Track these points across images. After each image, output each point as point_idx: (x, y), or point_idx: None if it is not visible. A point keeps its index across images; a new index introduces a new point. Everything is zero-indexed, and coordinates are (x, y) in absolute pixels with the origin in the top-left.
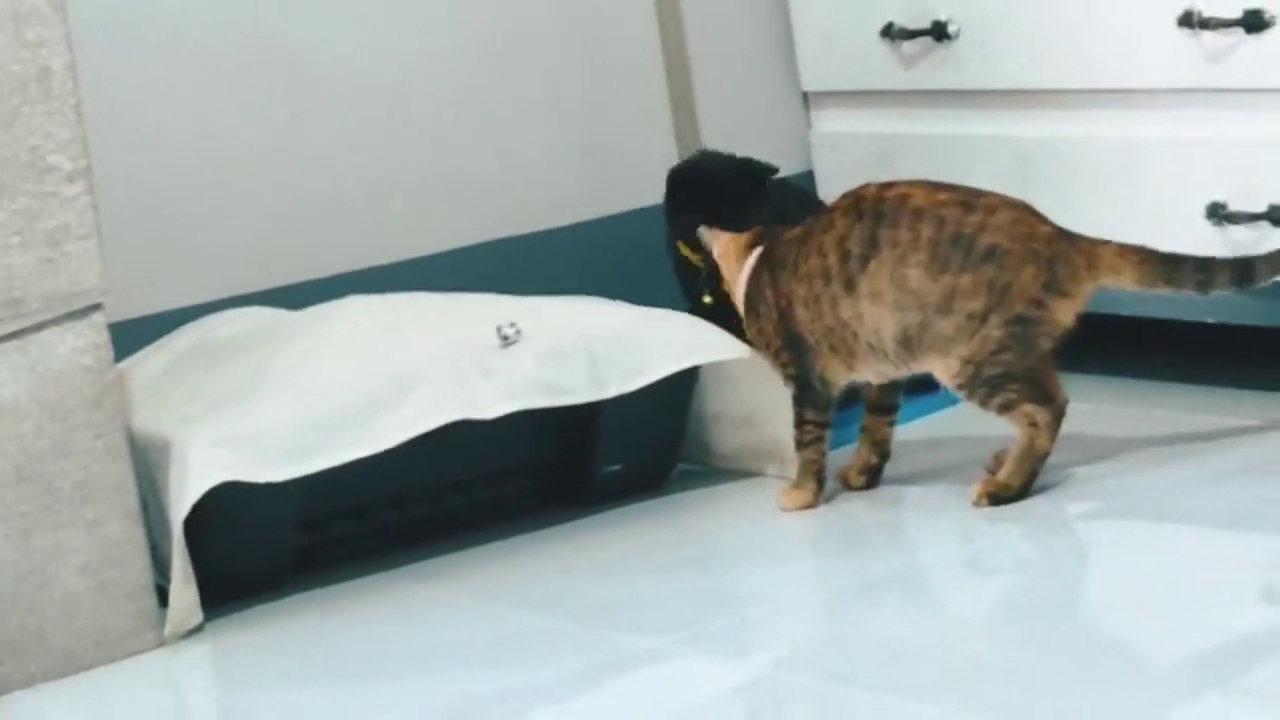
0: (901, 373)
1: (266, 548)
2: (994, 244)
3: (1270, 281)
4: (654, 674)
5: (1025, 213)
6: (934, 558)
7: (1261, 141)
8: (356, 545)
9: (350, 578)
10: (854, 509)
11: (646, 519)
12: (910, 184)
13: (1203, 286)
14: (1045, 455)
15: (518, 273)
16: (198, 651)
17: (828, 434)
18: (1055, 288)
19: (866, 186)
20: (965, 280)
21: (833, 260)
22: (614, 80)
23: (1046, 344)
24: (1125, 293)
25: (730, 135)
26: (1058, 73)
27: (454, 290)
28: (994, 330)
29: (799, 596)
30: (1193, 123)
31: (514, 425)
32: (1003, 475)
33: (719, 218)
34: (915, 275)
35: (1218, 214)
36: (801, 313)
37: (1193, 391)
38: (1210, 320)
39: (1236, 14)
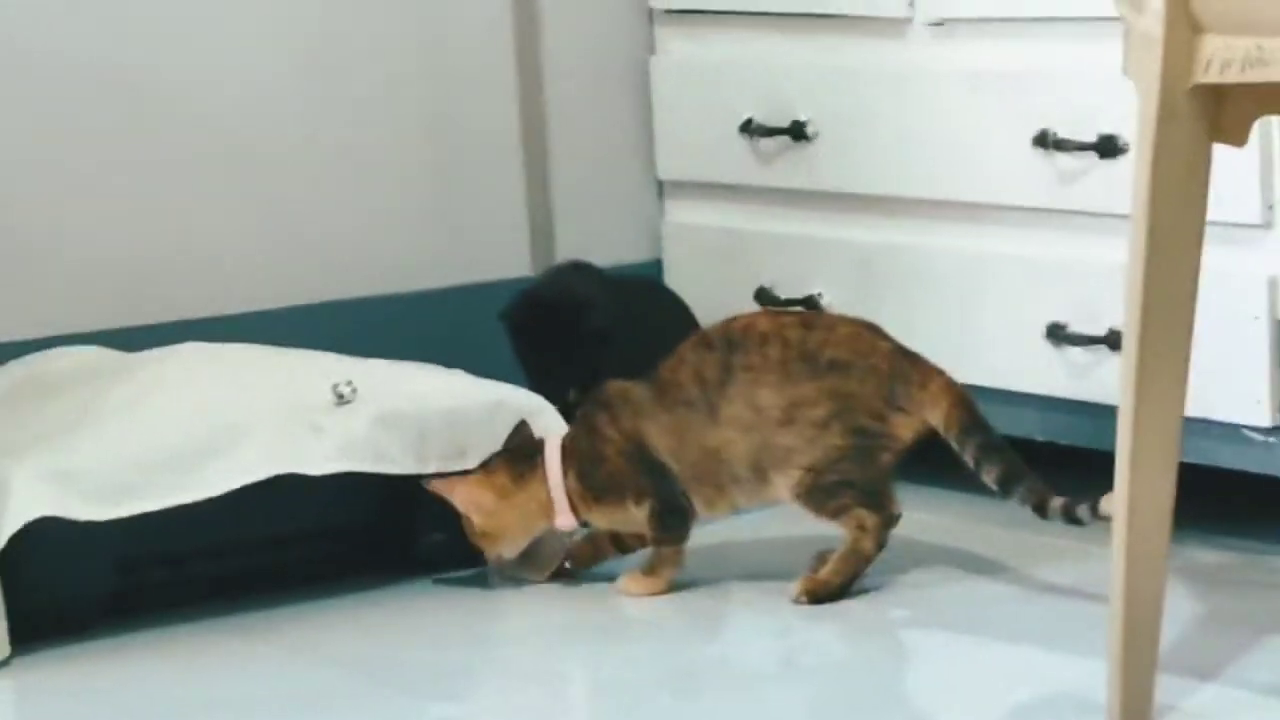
0: (754, 502)
1: (81, 586)
2: (836, 357)
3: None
4: None
5: (865, 329)
6: (750, 651)
7: (1106, 265)
8: (173, 592)
9: (163, 625)
10: (677, 600)
11: (469, 590)
12: (750, 315)
13: (978, 466)
14: (869, 559)
15: (360, 335)
16: (1, 686)
17: (686, 538)
18: (895, 403)
19: (710, 325)
20: (808, 389)
21: (693, 391)
22: (471, 152)
23: (886, 458)
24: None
25: (583, 216)
26: (911, 181)
27: (294, 346)
28: (836, 439)
29: (611, 678)
30: (1040, 242)
31: (340, 485)
32: (824, 573)
33: (551, 360)
34: (765, 394)
35: (1057, 334)
36: (663, 443)
37: (1019, 509)
38: (1040, 438)
39: (1091, 138)
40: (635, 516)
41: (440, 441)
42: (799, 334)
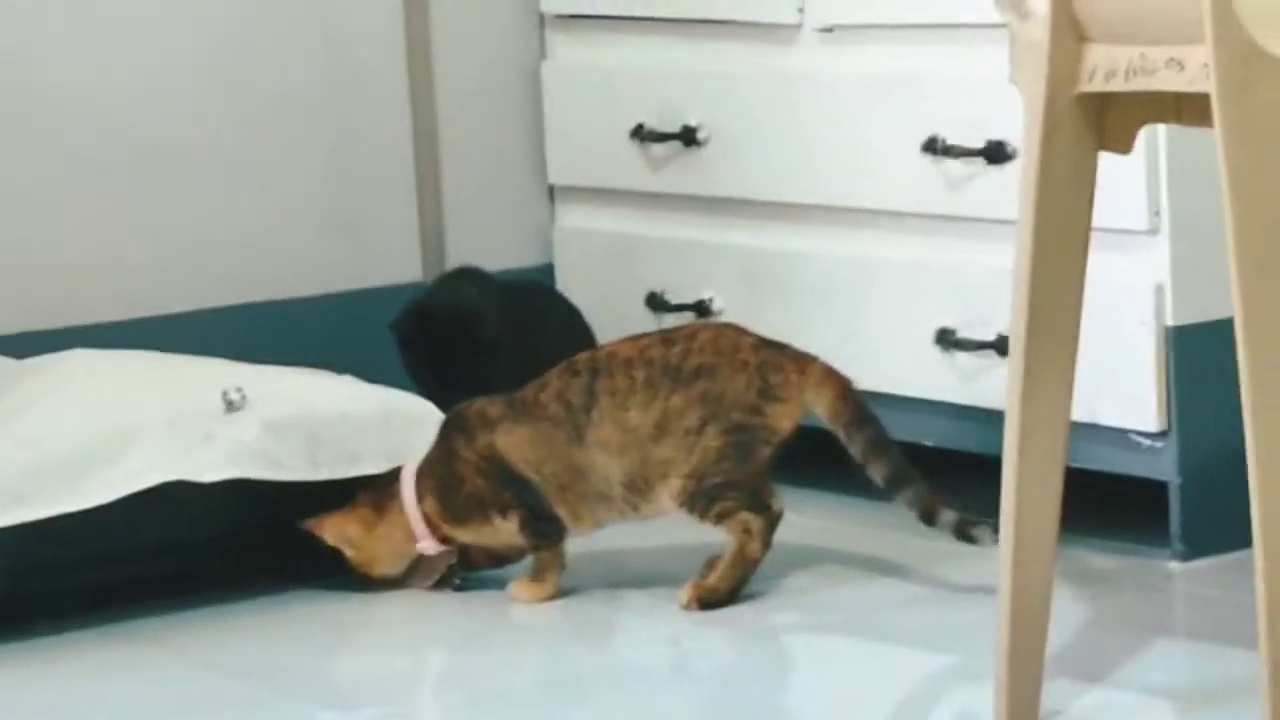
0: (631, 518)
1: None
2: (700, 363)
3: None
4: None
5: (726, 329)
6: (640, 657)
7: (994, 270)
8: (62, 600)
9: (50, 633)
10: (569, 605)
11: (359, 597)
12: (614, 343)
13: (865, 461)
14: (756, 562)
15: (251, 341)
16: None
17: (562, 540)
18: (769, 394)
19: (575, 357)
20: (676, 400)
21: (556, 410)
22: (363, 157)
23: (765, 451)
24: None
25: (475, 221)
26: (801, 187)
27: (185, 352)
28: (712, 441)
29: (500, 684)
30: (928, 247)
31: (230, 492)
32: (712, 579)
33: (442, 371)
34: (634, 415)
35: (946, 340)
36: (521, 456)
37: (903, 513)
38: (929, 443)
39: (980, 144)
40: (504, 530)
41: (332, 448)
42: (660, 351)
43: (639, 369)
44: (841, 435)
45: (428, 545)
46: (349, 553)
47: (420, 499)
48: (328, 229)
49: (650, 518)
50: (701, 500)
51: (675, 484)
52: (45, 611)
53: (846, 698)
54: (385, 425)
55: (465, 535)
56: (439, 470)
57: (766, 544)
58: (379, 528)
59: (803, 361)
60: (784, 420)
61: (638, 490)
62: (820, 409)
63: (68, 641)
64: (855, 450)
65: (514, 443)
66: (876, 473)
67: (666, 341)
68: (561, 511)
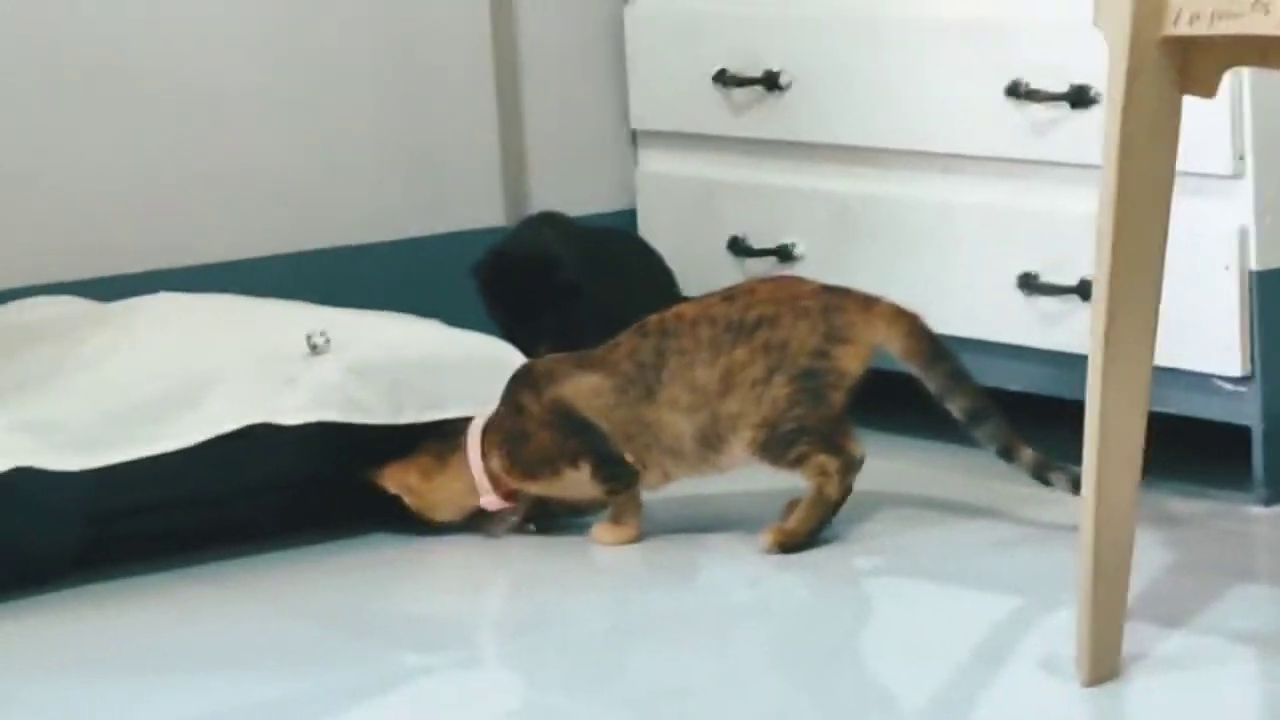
0: (705, 472)
1: (52, 537)
2: (761, 314)
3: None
4: (425, 692)
5: (786, 279)
6: (720, 600)
7: (1077, 216)
8: (145, 544)
9: (134, 575)
10: (649, 549)
11: (443, 541)
12: (680, 306)
13: (943, 397)
14: (835, 505)
15: (334, 285)
16: None
17: (636, 481)
18: (835, 336)
19: (645, 319)
20: (740, 353)
21: (628, 368)
22: (443, 101)
23: (836, 396)
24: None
25: (557, 166)
26: (883, 131)
27: (267, 297)
28: (780, 389)
29: (583, 627)
30: (1011, 192)
31: (313, 435)
32: (791, 523)
33: (523, 317)
34: (700, 373)
35: (1029, 284)
36: (590, 402)
37: (983, 456)
38: (1012, 388)
39: (1063, 89)
40: (575, 481)
41: (416, 392)
42: (722, 309)
43: (703, 327)
44: (917, 372)
45: (490, 500)
46: (406, 500)
47: (486, 454)
48: (410, 173)
49: (725, 470)
50: (776, 446)
51: (747, 435)
52: (126, 555)
53: (927, 640)
54: (469, 369)
55: (536, 488)
56: (506, 425)
57: (845, 487)
58: (439, 478)
59: (868, 302)
60: (852, 362)
61: (710, 445)
62: (893, 348)
63: (147, 585)
64: (932, 386)
65: (581, 391)
66: (955, 407)
67: (728, 298)
68: (627, 450)
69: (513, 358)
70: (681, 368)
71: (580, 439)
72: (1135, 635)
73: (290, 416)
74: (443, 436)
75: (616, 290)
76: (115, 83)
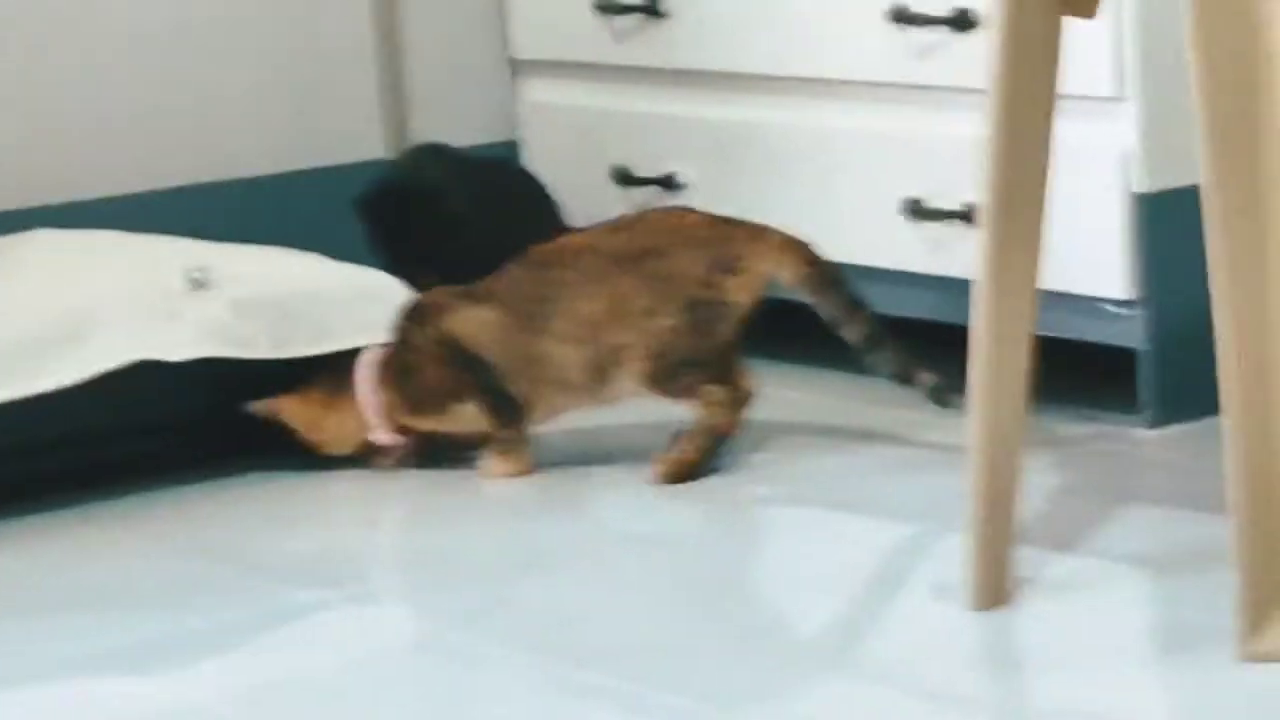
0: (593, 404)
1: None
2: (646, 244)
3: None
4: (318, 627)
5: (672, 212)
6: (608, 530)
7: (961, 139)
8: (29, 484)
9: (20, 515)
10: (538, 482)
11: (332, 476)
12: (567, 237)
13: (837, 324)
14: (724, 436)
15: (214, 220)
16: None
17: (525, 420)
18: (723, 266)
19: (531, 249)
20: (626, 284)
21: (516, 300)
22: (321, 32)
23: (725, 327)
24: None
25: (438, 98)
26: (765, 58)
27: (148, 232)
28: (666, 320)
29: (474, 560)
30: (895, 117)
31: (198, 372)
32: (678, 453)
33: (407, 249)
34: (586, 304)
35: (914, 210)
36: (479, 337)
37: (876, 384)
38: (898, 314)
39: (945, 12)
40: (463, 415)
41: (300, 325)
42: (609, 239)
43: (589, 258)
44: (810, 300)
45: (381, 435)
46: (299, 433)
47: (377, 388)
48: (289, 106)
49: (614, 402)
50: (664, 377)
51: (635, 366)
52: (11, 495)
53: (817, 567)
54: (352, 302)
55: (425, 424)
56: (395, 360)
57: (735, 419)
58: (331, 411)
59: (757, 231)
60: (742, 293)
61: (598, 376)
62: (784, 277)
63: (38, 524)
64: (825, 313)
65: (470, 327)
66: (850, 334)
67: (615, 229)
68: (518, 386)
69: (395, 290)
70: (568, 299)
71: (469, 374)
72: (1025, 560)
73: (174, 352)
74: (333, 370)
75: (502, 221)
76: None
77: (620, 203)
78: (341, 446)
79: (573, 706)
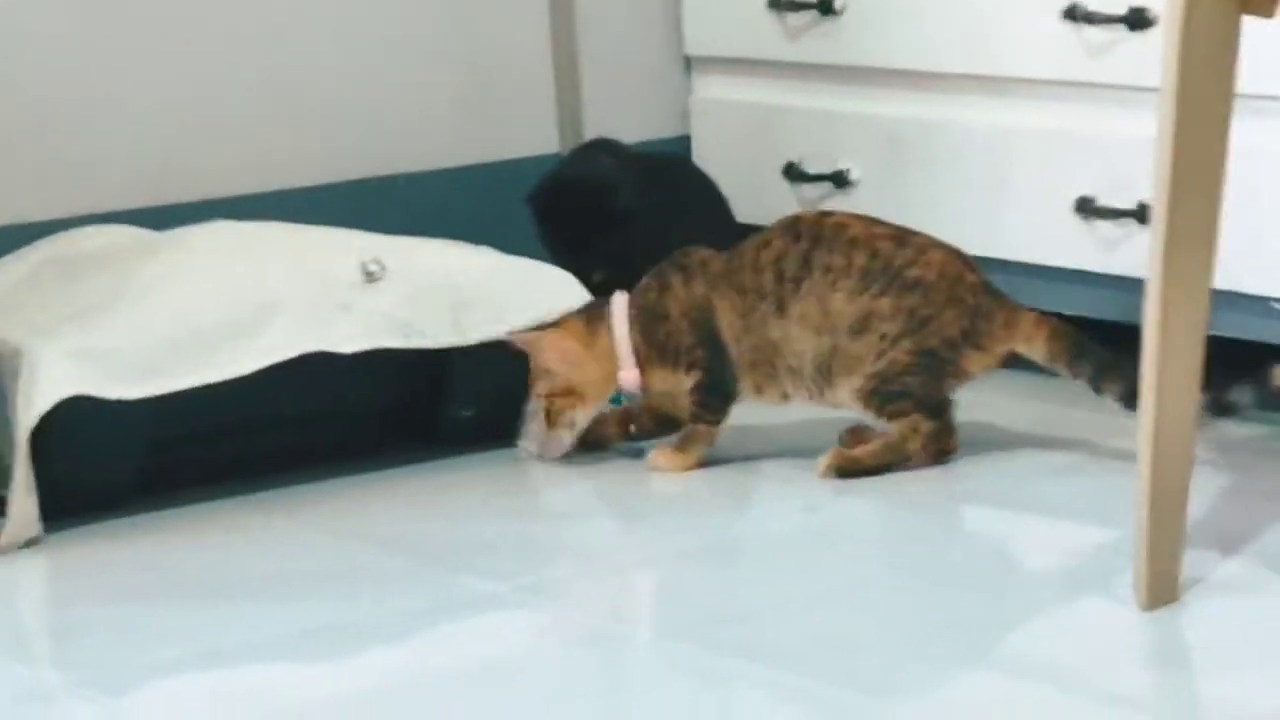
0: (817, 401)
1: (112, 465)
2: (921, 276)
3: None
4: (490, 618)
5: (956, 257)
6: (778, 525)
7: (1135, 138)
8: (204, 470)
9: (195, 502)
10: (707, 474)
11: (496, 466)
12: (847, 215)
13: (1095, 386)
14: (907, 458)
15: (388, 213)
16: (34, 563)
17: (724, 419)
18: (972, 339)
19: (805, 212)
20: (885, 303)
21: (768, 278)
22: (496, 28)
23: (949, 384)
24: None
25: (611, 93)
26: (938, 55)
27: (322, 225)
28: (903, 355)
29: (640, 554)
30: (1069, 115)
31: (368, 362)
32: (857, 451)
33: (576, 243)
34: (839, 299)
35: (1087, 208)
36: (728, 321)
37: (1060, 385)
38: (1070, 312)
39: (1121, 10)
40: (678, 384)
41: (476, 310)
42: (889, 246)
43: (861, 253)
44: (1066, 374)
45: (630, 376)
46: (563, 372)
47: (631, 328)
48: (464, 101)
49: (830, 407)
50: (881, 398)
51: (857, 380)
52: (187, 483)
53: (986, 567)
54: (527, 289)
55: (656, 379)
56: (649, 300)
57: (927, 456)
58: (594, 348)
59: (1013, 315)
60: (975, 366)
61: (823, 375)
62: (1036, 356)
63: (210, 513)
64: (1085, 383)
65: (725, 306)
66: (1112, 393)
67: (898, 240)
68: (747, 384)
69: (570, 280)
70: (824, 286)
71: (706, 351)
72: (1194, 561)
73: (346, 344)
74: (583, 310)
75: (671, 216)
76: (166, 10)
77: (790, 199)
78: (597, 391)
79: (736, 698)
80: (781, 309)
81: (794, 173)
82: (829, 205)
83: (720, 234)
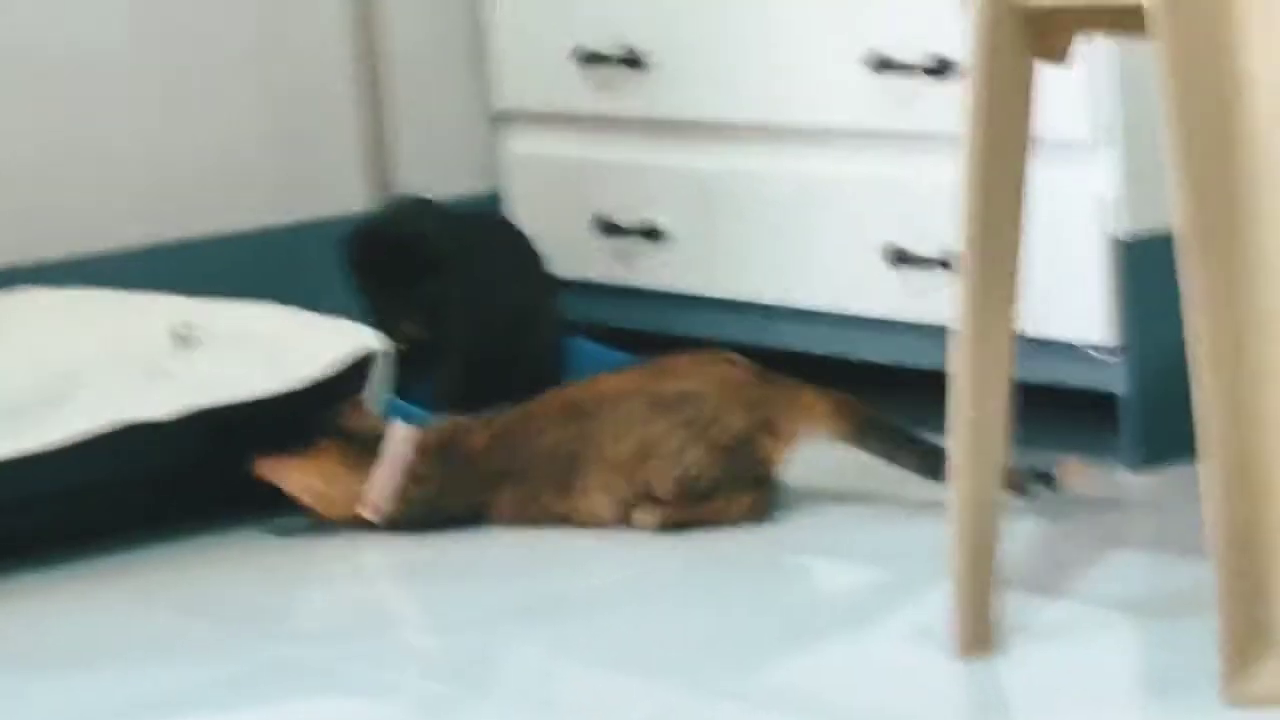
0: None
1: None
2: (687, 390)
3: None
4: (315, 684)
5: (718, 360)
6: (586, 583)
7: (941, 186)
8: (18, 540)
9: (8, 573)
10: (531, 537)
11: (307, 534)
12: (610, 379)
13: (891, 460)
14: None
15: (196, 275)
16: None
17: None
18: (766, 428)
19: (568, 387)
20: (659, 426)
21: (542, 463)
22: (304, 85)
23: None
24: None
25: (419, 150)
26: (744, 107)
27: (130, 289)
28: (701, 455)
29: (453, 617)
30: (875, 164)
31: (189, 427)
32: (667, 510)
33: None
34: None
35: (895, 256)
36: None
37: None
38: (878, 360)
39: (923, 59)
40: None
41: (294, 354)
42: (647, 382)
43: (625, 403)
44: (859, 449)
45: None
46: (308, 502)
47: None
48: (270, 160)
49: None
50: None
51: (668, 485)
52: (1, 552)
53: (802, 616)
54: (340, 332)
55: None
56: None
57: (748, 513)
58: (345, 480)
59: (796, 394)
60: (776, 454)
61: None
62: (824, 433)
63: (25, 581)
64: (876, 455)
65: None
66: (908, 466)
67: (655, 374)
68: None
69: (373, 339)
70: (595, 451)
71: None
72: (1009, 605)
73: (161, 410)
74: (348, 438)
75: (485, 268)
76: None
77: (603, 252)
78: (346, 513)
79: None
80: (565, 490)
81: (606, 226)
82: (643, 258)
83: (532, 285)
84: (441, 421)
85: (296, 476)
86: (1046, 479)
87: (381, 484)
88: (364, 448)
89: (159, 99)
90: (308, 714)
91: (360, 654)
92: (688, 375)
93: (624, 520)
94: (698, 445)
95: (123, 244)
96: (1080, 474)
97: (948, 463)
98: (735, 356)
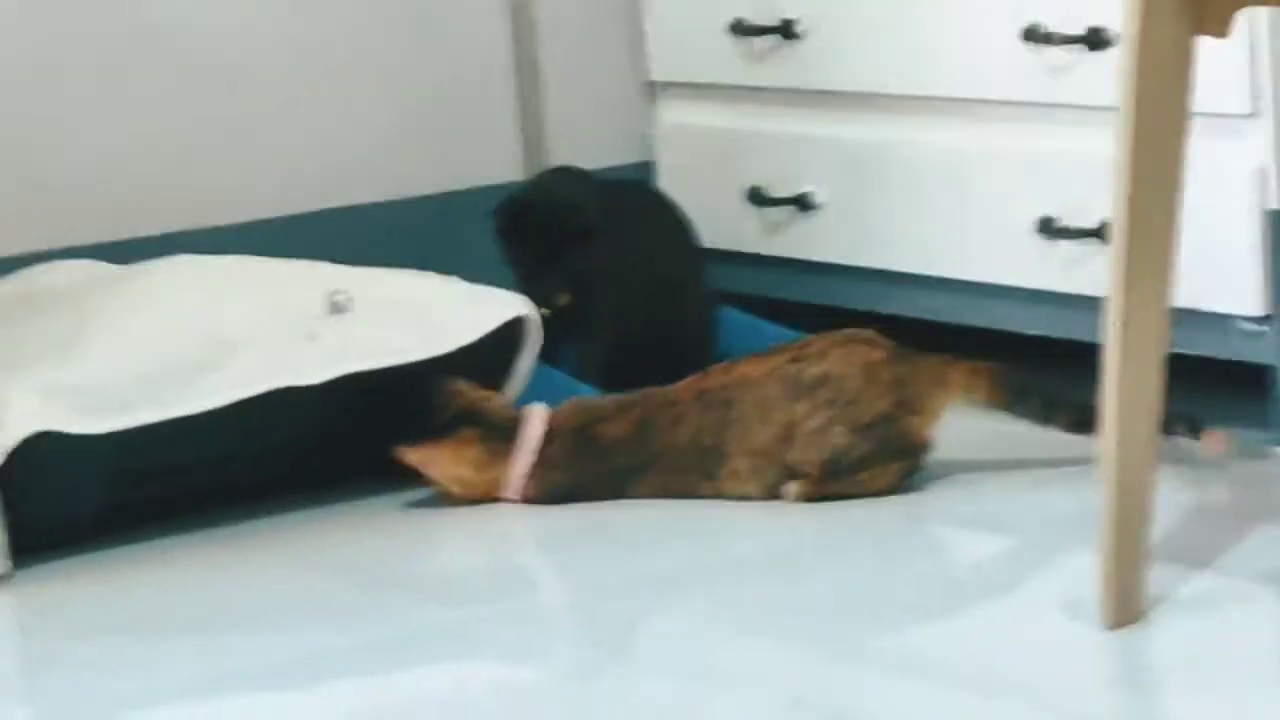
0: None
1: (79, 500)
2: (826, 372)
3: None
4: (460, 649)
5: (858, 341)
6: (729, 550)
7: (1096, 158)
8: (169, 504)
9: (161, 536)
10: (657, 508)
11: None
12: (745, 363)
13: (1045, 421)
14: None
15: (353, 243)
16: (2, 601)
17: None
18: (907, 408)
19: (706, 374)
20: (801, 407)
21: (682, 453)
22: (459, 56)
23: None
24: None
25: (574, 121)
26: (898, 78)
27: (287, 257)
28: (839, 439)
29: (615, 582)
30: (1029, 136)
31: (338, 392)
32: (809, 482)
33: (539, 262)
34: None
35: (1048, 228)
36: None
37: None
38: (1032, 332)
39: (1080, 31)
40: None
41: (448, 322)
42: (792, 368)
43: (764, 387)
44: (1013, 415)
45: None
46: (455, 491)
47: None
48: (427, 129)
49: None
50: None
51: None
52: (153, 516)
53: (950, 586)
54: (495, 296)
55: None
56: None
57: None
58: (490, 470)
59: (942, 370)
60: (925, 430)
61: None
62: (975, 404)
63: (180, 544)
64: (1028, 419)
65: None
66: (1059, 426)
67: (795, 356)
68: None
69: (522, 305)
70: (737, 437)
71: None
72: (1159, 577)
73: (314, 375)
74: (489, 428)
75: (634, 239)
76: (132, 45)
77: (754, 223)
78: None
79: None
80: (710, 476)
81: (757, 197)
82: (794, 228)
83: (681, 257)
84: (578, 403)
85: (444, 466)
86: (1192, 426)
87: (519, 469)
88: (504, 436)
89: (321, 72)
90: (454, 679)
91: (506, 620)
92: (826, 357)
93: (772, 498)
94: (841, 425)
95: (279, 214)
96: (1222, 444)
97: (1099, 417)
98: (873, 335)
